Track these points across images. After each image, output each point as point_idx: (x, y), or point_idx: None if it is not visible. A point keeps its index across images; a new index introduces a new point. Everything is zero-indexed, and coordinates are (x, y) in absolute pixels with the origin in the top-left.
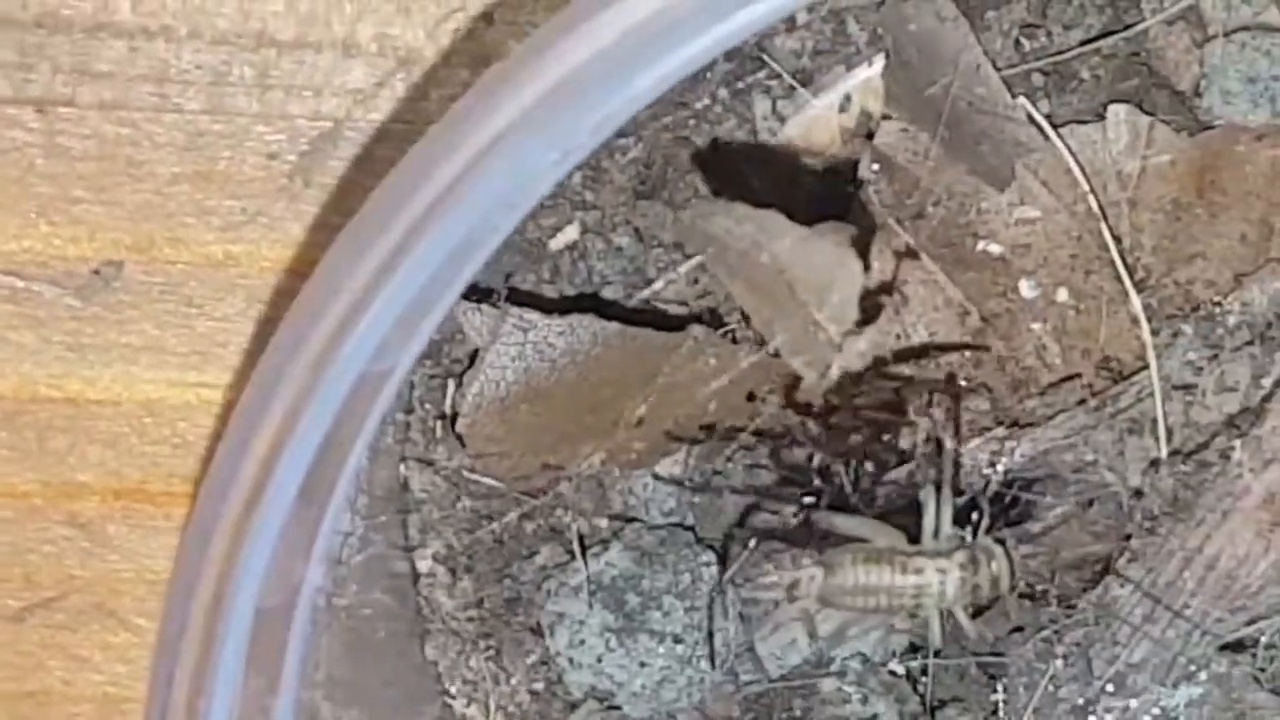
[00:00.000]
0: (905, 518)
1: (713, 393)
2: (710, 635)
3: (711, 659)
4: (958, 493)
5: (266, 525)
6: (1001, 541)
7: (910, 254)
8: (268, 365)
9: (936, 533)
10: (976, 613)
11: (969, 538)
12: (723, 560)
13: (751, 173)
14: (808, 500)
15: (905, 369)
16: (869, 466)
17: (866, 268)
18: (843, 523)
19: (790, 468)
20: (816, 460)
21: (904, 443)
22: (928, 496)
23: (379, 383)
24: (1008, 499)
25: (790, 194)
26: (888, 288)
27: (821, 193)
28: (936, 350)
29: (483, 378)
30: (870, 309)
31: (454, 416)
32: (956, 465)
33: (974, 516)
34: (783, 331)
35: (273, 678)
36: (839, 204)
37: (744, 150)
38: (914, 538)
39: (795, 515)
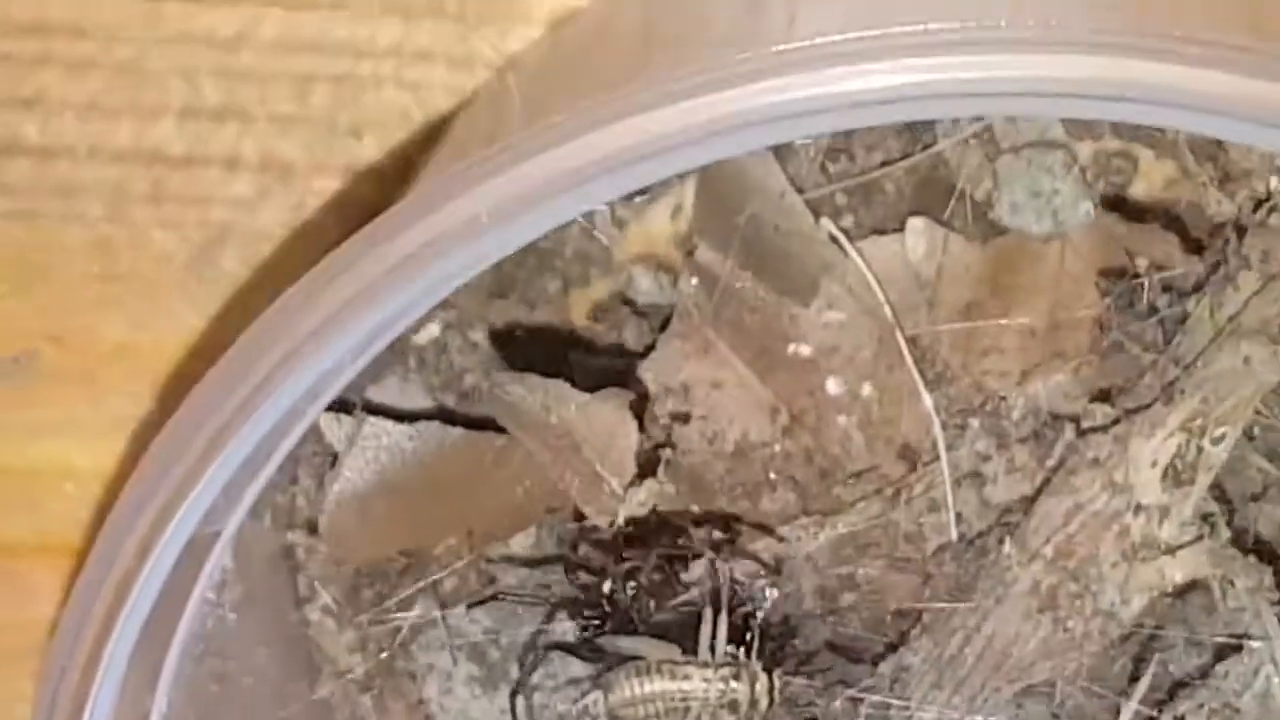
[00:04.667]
0: (686, 638)
1: (530, 503)
2: None
3: None
4: (734, 609)
5: (113, 667)
6: (769, 671)
7: (681, 418)
8: (111, 530)
9: (713, 650)
10: None
11: (742, 657)
12: (521, 664)
13: (543, 351)
14: (595, 624)
15: (686, 513)
16: (656, 596)
17: (641, 428)
18: (625, 643)
19: (584, 590)
20: (607, 588)
21: (689, 575)
22: (706, 617)
23: (209, 543)
24: (775, 630)
25: (575, 366)
26: (661, 445)
27: (603, 367)
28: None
29: (341, 479)
30: (647, 464)
31: (315, 517)
32: (733, 591)
33: (747, 637)
34: (574, 481)
35: None
36: (618, 377)
37: (535, 331)
38: (691, 651)
39: (584, 634)
